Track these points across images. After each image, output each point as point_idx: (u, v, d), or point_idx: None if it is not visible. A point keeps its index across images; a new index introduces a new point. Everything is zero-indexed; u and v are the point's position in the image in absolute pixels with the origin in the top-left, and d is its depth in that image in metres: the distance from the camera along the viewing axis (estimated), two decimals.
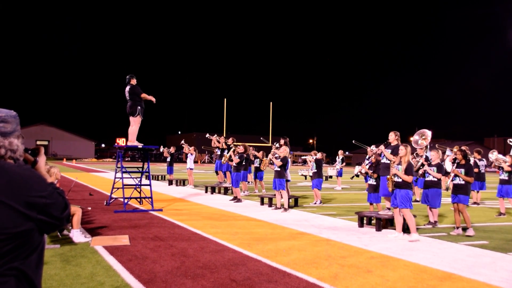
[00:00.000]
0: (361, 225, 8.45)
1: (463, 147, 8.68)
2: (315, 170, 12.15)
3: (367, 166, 9.55)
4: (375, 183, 9.23)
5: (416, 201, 12.26)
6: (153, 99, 10.54)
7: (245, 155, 13.17)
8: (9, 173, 1.51)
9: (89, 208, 9.61)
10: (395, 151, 8.34)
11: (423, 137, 9.16)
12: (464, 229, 7.93)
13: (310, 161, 12.32)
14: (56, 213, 1.56)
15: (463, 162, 8.01)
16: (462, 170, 7.88)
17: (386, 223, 8.36)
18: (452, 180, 7.98)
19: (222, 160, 14.72)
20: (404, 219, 7.75)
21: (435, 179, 8.56)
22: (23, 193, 1.49)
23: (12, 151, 1.60)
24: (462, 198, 7.81)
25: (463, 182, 7.85)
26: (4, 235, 1.44)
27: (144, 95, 10.32)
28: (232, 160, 12.82)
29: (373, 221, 8.49)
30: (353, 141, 10.21)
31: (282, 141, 11.16)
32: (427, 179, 8.73)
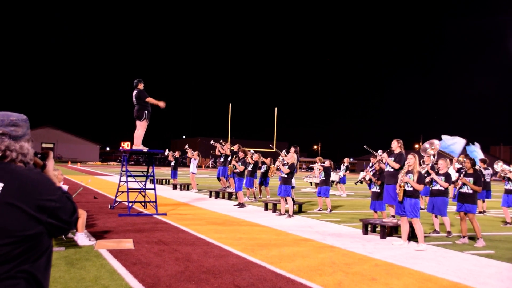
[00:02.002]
0: (365, 232, 8.41)
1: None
2: (323, 178, 12.14)
3: (371, 173, 9.53)
4: (379, 190, 9.20)
5: (421, 209, 12.20)
6: (162, 104, 10.46)
7: (247, 160, 13.19)
8: (20, 177, 1.52)
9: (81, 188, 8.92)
10: (397, 159, 8.32)
11: (432, 146, 9.15)
12: (473, 238, 7.87)
13: (320, 169, 12.29)
14: (65, 217, 1.57)
15: (471, 171, 7.95)
16: (471, 179, 7.83)
17: (390, 231, 8.32)
18: (459, 189, 7.91)
19: (228, 171, 14.74)
20: (411, 228, 7.70)
21: (442, 188, 8.46)
22: (34, 196, 1.50)
23: (23, 154, 1.61)
24: (469, 207, 7.75)
25: (470, 191, 7.79)
26: (15, 237, 1.45)
27: (149, 99, 10.32)
28: (236, 168, 12.87)
29: (378, 229, 8.45)
30: (364, 146, 10.21)
31: (292, 149, 11.17)
32: (433, 187, 8.63)
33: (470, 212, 7.75)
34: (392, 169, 8.34)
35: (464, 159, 9.83)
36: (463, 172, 8.04)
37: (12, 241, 1.44)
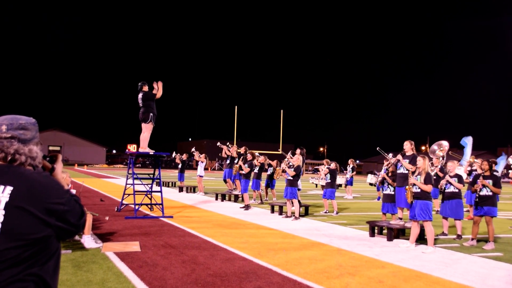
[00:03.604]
0: (372, 234, 8.37)
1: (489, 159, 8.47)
2: (329, 180, 12.13)
3: (386, 174, 9.38)
4: (392, 193, 9.08)
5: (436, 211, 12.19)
6: (160, 84, 10.53)
7: (254, 163, 13.19)
8: (29, 180, 1.53)
9: (107, 218, 9.05)
10: (412, 161, 8.21)
11: (440, 148, 9.09)
12: (481, 241, 7.80)
13: (325, 172, 12.28)
14: (73, 220, 1.58)
15: (488, 173, 7.86)
16: (490, 181, 7.74)
17: (397, 233, 8.27)
18: (479, 191, 7.77)
19: (233, 171, 14.77)
20: (421, 230, 7.65)
21: (456, 190, 8.33)
22: (43, 199, 1.51)
23: (31, 158, 1.62)
24: (489, 209, 7.64)
25: (490, 194, 7.68)
26: (24, 240, 1.46)
27: (157, 93, 10.38)
28: (242, 169, 12.88)
29: (385, 231, 8.41)
30: (377, 148, 10.19)
31: (298, 151, 11.17)
32: (447, 190, 8.48)
33: (490, 214, 7.65)
34: (405, 171, 8.26)
35: (475, 160, 9.70)
36: (482, 175, 7.91)
37: (21, 244, 1.45)
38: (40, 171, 1.65)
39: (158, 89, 10.46)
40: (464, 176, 8.63)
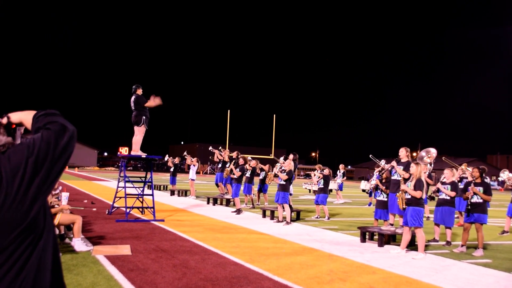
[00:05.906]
0: (363, 240, 8.40)
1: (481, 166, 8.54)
2: (322, 186, 12.14)
3: (379, 182, 9.43)
4: (385, 199, 9.13)
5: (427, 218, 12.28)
6: (160, 102, 10.37)
7: (245, 167, 13.18)
8: None
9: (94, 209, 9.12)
10: (406, 167, 8.27)
11: (428, 154, 9.17)
12: (470, 247, 7.86)
13: (319, 177, 12.29)
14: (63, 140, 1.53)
15: (479, 180, 7.92)
16: (480, 189, 7.80)
17: (388, 239, 8.31)
18: (471, 198, 7.82)
19: (224, 174, 14.74)
20: (413, 237, 7.67)
21: (448, 198, 8.38)
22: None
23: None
24: (480, 216, 7.70)
25: (480, 201, 7.74)
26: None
27: (148, 104, 10.31)
28: (233, 173, 12.87)
29: (376, 237, 8.44)
30: (370, 156, 10.25)
31: (291, 156, 11.18)
32: (440, 197, 8.54)
33: (480, 221, 7.71)
34: (398, 178, 8.30)
35: (467, 168, 9.81)
36: (473, 182, 7.97)
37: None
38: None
39: (153, 102, 10.33)
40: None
